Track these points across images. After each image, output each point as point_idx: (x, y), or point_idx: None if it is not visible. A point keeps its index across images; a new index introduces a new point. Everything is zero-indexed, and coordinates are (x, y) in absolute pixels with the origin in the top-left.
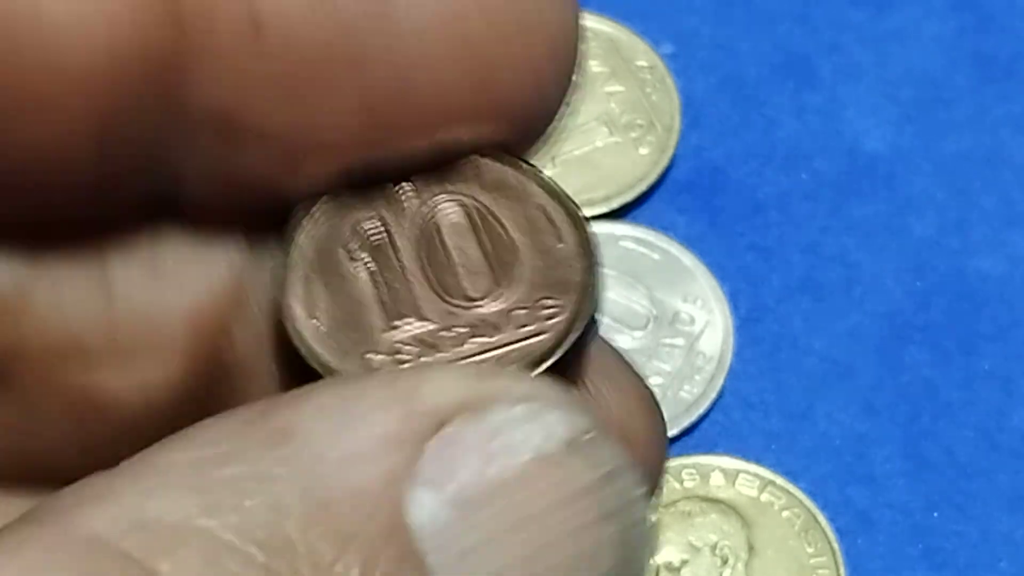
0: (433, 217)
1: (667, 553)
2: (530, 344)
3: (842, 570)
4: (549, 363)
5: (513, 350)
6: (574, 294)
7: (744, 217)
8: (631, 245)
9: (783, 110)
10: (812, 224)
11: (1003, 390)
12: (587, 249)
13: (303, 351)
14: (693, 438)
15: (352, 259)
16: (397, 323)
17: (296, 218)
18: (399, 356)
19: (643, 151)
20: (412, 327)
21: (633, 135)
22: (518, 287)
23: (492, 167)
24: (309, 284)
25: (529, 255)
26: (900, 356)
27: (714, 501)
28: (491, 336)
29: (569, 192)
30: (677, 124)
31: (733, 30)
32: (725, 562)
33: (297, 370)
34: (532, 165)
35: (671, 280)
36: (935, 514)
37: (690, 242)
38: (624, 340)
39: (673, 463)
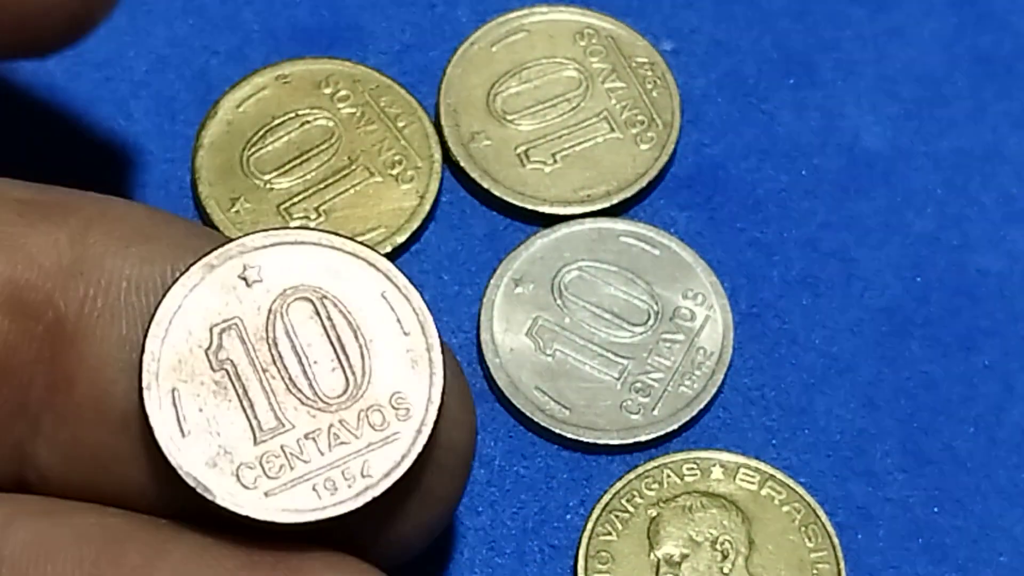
0: (283, 315)
1: (667, 547)
2: (387, 448)
3: (842, 565)
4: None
5: (371, 455)
6: (425, 390)
7: (744, 213)
8: (631, 241)
9: (783, 107)
10: (812, 220)
11: (1002, 386)
12: (429, 337)
13: (173, 465)
14: (693, 433)
15: (213, 367)
16: (261, 436)
17: (149, 325)
18: (267, 467)
19: (643, 147)
20: (276, 437)
21: (633, 131)
22: (373, 387)
23: (332, 255)
24: (175, 398)
25: (379, 349)
26: (900, 352)
27: (714, 496)
28: (351, 441)
29: (569, 189)
30: (677, 120)
31: (733, 27)
32: (725, 556)
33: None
34: (373, 248)
35: (671, 276)
36: (935, 509)
37: (690, 238)
38: (624, 336)
39: (674, 458)
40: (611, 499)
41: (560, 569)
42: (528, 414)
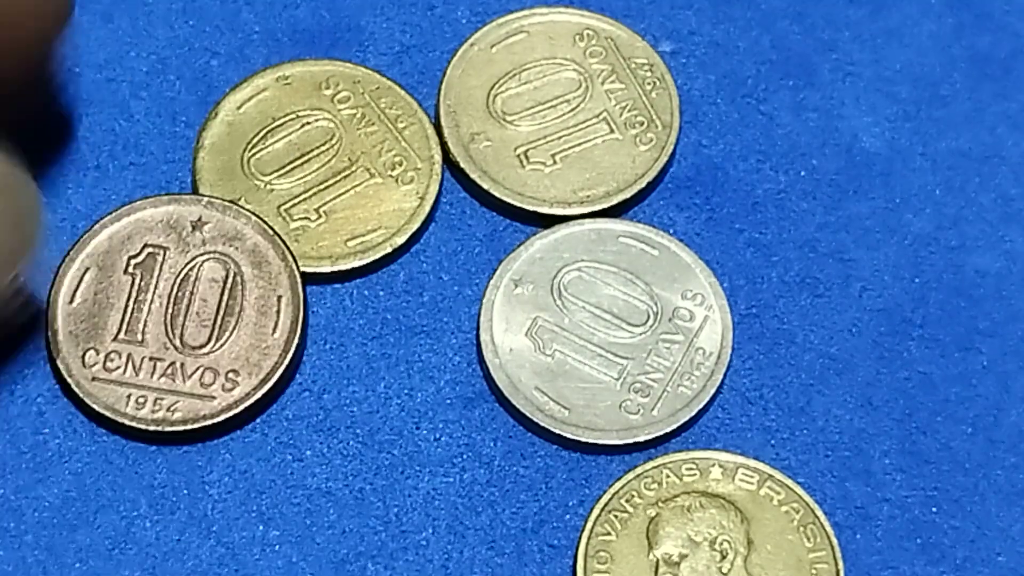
0: (199, 265)
1: (666, 547)
2: (195, 405)
3: (840, 565)
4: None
5: (179, 402)
6: (255, 380)
7: (743, 214)
8: (631, 241)
9: (781, 108)
10: (810, 221)
11: (1000, 386)
12: (292, 343)
13: (49, 319)
14: (692, 433)
15: (126, 270)
16: (125, 338)
17: (106, 215)
18: (108, 362)
19: (642, 148)
20: (130, 346)
21: (633, 132)
22: (224, 354)
23: (261, 244)
24: (85, 272)
25: (247, 328)
26: (898, 352)
27: (713, 496)
28: (176, 381)
29: (568, 189)
30: (676, 122)
31: (732, 28)
32: (724, 556)
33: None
34: (292, 256)
35: (670, 276)
36: (933, 509)
37: (689, 239)
38: (623, 336)
39: (673, 458)
40: (610, 499)
41: (559, 569)
42: (527, 414)
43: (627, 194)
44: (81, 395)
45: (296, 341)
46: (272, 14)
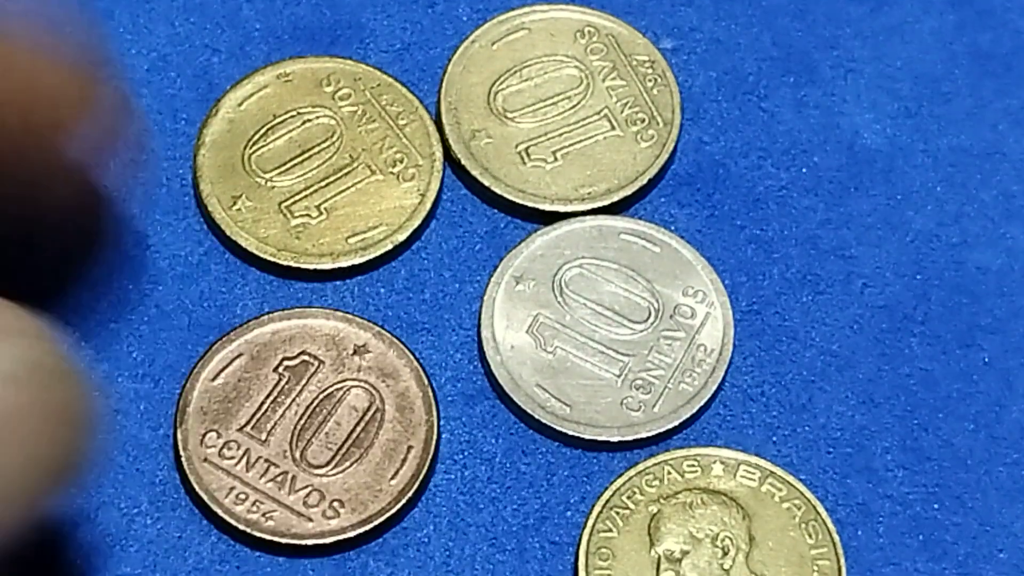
0: (346, 389)
1: (668, 543)
2: (290, 520)
3: (842, 561)
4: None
5: (277, 511)
6: (356, 518)
7: (744, 211)
8: (632, 239)
9: (783, 105)
10: (812, 218)
11: (1002, 382)
12: (406, 495)
13: (186, 389)
14: (694, 430)
15: (276, 368)
16: (251, 432)
17: (277, 310)
18: (226, 449)
19: (644, 145)
20: (251, 441)
21: (634, 129)
22: (337, 481)
23: (417, 386)
24: (238, 356)
25: (368, 465)
26: (899, 349)
27: (715, 493)
28: (284, 491)
29: (569, 186)
30: (677, 118)
31: (733, 25)
32: (726, 553)
33: None
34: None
35: (672, 273)
36: (935, 506)
37: (691, 235)
38: (625, 333)
39: (674, 455)
40: (612, 496)
41: (561, 565)
42: (529, 411)
43: (628, 191)
44: (188, 472)
45: (411, 495)
46: (273, 11)
